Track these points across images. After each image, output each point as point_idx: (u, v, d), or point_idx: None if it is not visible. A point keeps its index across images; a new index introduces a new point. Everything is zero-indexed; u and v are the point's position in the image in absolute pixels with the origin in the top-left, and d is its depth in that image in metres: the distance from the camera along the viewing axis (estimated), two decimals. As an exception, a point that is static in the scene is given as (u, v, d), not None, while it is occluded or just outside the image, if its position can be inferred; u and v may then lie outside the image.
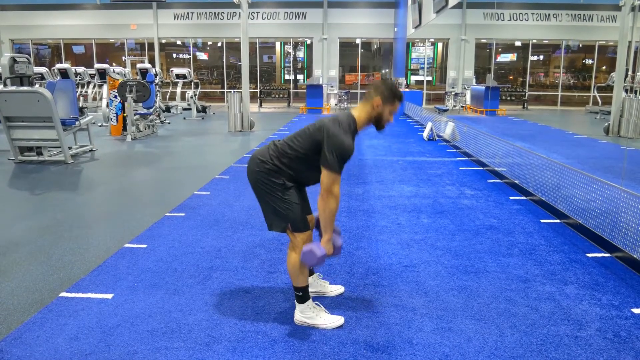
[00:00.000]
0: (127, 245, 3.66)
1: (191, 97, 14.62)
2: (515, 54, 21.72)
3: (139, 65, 14.31)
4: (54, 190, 5.51)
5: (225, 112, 11.56)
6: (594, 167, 6.90)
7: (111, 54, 22.34)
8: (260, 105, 19.67)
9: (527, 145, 8.33)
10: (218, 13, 20.40)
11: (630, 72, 14.68)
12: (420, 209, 4.71)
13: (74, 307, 2.68)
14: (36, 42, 22.11)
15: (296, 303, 2.53)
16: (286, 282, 3.01)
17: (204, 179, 5.99)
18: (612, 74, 14.56)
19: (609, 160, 7.60)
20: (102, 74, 14.16)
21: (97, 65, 15.19)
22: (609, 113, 11.66)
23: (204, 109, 15.30)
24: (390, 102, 2.44)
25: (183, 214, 4.47)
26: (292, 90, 21.03)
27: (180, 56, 22.40)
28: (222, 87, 21.62)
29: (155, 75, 14.37)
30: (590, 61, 20.95)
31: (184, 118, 14.28)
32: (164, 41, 21.39)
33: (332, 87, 19.74)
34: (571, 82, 21.58)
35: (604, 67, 21.12)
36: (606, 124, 10.94)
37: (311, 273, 2.84)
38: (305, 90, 18.14)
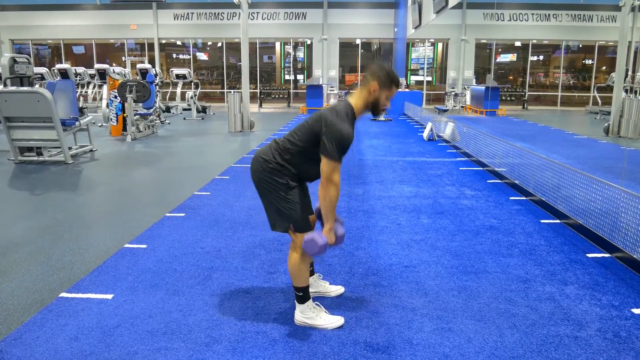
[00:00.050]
0: (127, 245, 3.66)
1: (191, 98, 14.62)
2: (515, 54, 21.72)
3: (139, 66, 14.32)
4: (54, 190, 5.52)
5: (225, 113, 11.56)
6: (594, 167, 6.90)
7: (111, 54, 22.34)
8: (260, 106, 19.68)
9: (527, 145, 8.33)
10: (218, 13, 20.40)
11: (630, 73, 14.68)
12: (420, 210, 4.71)
13: (74, 308, 2.68)
14: (36, 43, 22.11)
15: (296, 303, 2.53)
16: (286, 283, 3.01)
17: (204, 179, 5.99)
18: (612, 74, 14.56)
19: (608, 161, 7.60)
20: (102, 74, 14.15)
21: (97, 66, 15.20)
22: (608, 113, 11.65)
23: (204, 109, 15.30)
24: (387, 86, 2.43)
25: (183, 214, 4.47)
26: (292, 91, 21.04)
27: (180, 56, 22.41)
28: (222, 88, 21.62)
29: (155, 75, 14.37)
30: (590, 61, 20.95)
31: (184, 118, 14.28)
32: (164, 41, 21.39)
33: (332, 87, 19.73)
34: (571, 82, 21.59)
35: (604, 68, 21.13)
36: (606, 124, 10.94)
37: (311, 273, 2.84)
38: (305, 91, 18.15)
